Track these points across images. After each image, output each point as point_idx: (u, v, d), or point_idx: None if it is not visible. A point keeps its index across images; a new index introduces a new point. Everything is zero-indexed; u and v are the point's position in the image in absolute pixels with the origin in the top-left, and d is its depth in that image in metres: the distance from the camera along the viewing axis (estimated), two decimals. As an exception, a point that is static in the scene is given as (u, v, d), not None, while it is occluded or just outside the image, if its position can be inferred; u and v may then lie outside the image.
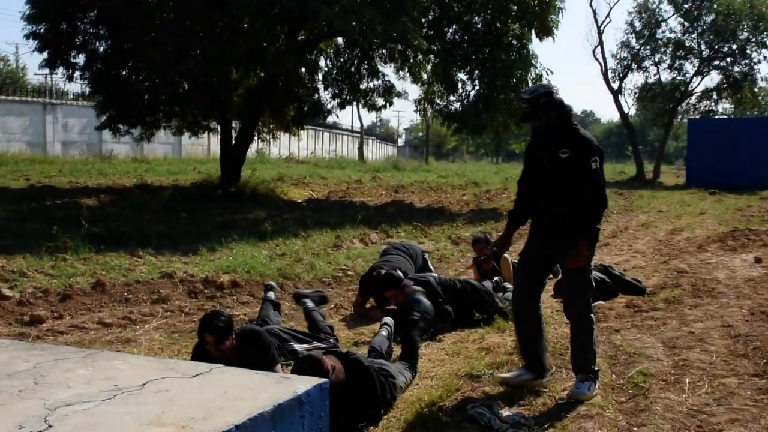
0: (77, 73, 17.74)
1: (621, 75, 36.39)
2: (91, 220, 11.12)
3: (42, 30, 16.63)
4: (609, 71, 35.95)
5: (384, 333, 5.36)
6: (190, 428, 2.25)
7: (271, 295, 6.62)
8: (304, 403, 2.73)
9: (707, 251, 10.44)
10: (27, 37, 16.78)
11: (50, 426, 2.25)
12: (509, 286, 7.16)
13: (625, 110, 37.12)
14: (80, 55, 17.57)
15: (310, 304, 6.45)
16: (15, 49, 77.24)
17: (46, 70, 18.31)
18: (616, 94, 35.97)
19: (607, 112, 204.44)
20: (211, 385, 2.87)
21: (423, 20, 17.76)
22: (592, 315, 4.67)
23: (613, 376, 4.99)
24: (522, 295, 4.76)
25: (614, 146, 77.96)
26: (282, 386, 2.85)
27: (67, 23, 16.95)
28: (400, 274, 6.65)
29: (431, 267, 8.12)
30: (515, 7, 17.82)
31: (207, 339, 4.46)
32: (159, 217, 12.68)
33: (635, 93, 37.50)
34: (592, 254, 4.56)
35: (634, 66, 36.44)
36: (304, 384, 2.89)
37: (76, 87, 39.94)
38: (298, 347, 5.23)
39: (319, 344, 5.40)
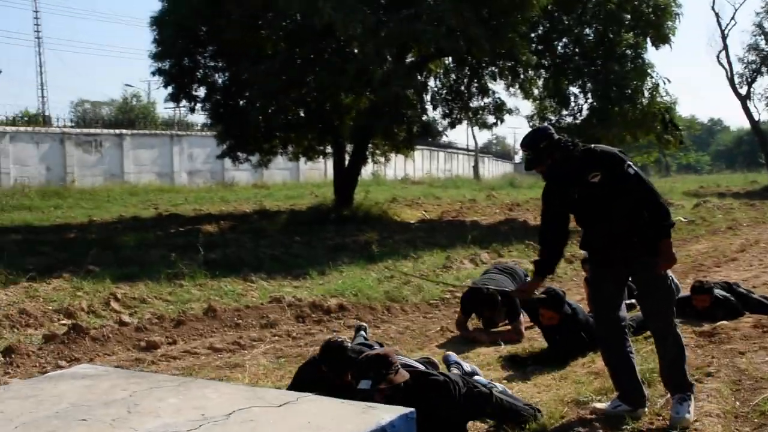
0: (198, 105, 18.74)
1: (749, 79, 34.60)
2: (210, 246, 11.58)
3: (166, 66, 17.62)
4: (735, 76, 34.29)
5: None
6: (266, 461, 2.25)
7: (363, 333, 6.53)
8: (388, 434, 2.67)
9: None
10: (153, 73, 17.89)
11: (133, 457, 2.30)
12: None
13: (756, 116, 35.28)
14: (201, 88, 18.49)
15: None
16: (147, 86, 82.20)
17: (172, 104, 19.43)
18: (744, 99, 34.20)
19: (737, 119, 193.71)
20: (296, 414, 2.87)
21: (532, 35, 17.50)
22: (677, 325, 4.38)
23: (737, 403, 4.60)
24: (603, 323, 4.45)
25: (745, 155, 72.97)
26: (366, 416, 2.81)
27: (188, 58, 17.88)
28: (561, 293, 6.31)
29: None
30: (628, 16, 17.28)
31: (347, 376, 4.46)
32: (274, 242, 13.02)
33: (766, 97, 35.58)
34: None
35: (763, 69, 34.51)
36: (388, 414, 2.84)
37: (201, 118, 42.03)
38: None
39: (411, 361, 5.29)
